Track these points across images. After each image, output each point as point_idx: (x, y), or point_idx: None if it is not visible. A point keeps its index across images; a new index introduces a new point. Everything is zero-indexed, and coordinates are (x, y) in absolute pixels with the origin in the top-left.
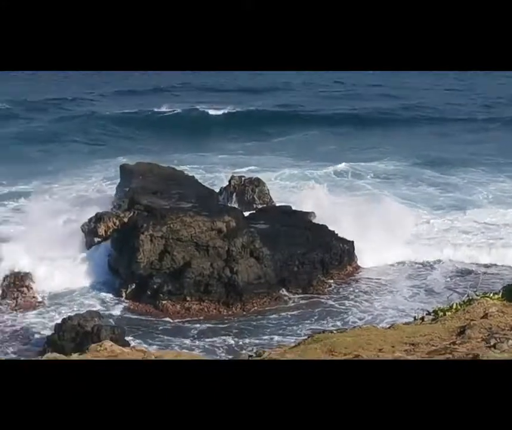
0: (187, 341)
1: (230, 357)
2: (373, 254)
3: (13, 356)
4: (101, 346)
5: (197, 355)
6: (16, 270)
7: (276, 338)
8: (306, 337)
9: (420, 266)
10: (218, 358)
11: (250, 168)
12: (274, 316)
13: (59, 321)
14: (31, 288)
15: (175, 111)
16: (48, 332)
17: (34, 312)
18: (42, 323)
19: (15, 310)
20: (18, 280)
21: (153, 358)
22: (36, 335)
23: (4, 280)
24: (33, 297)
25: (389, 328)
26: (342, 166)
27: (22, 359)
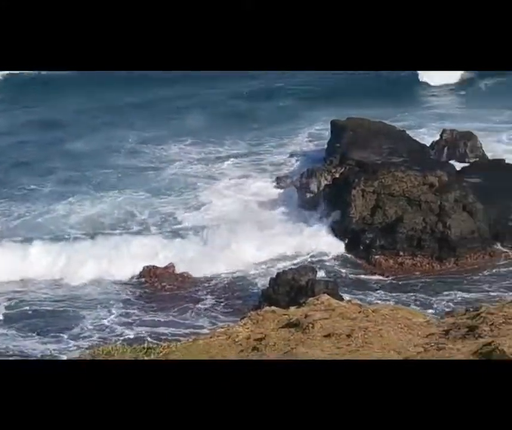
0: (400, 296)
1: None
2: None
3: (227, 311)
4: (318, 299)
5: (413, 311)
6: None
7: (492, 294)
8: None
9: None
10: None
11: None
12: (487, 271)
13: (274, 276)
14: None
15: None
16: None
17: (248, 268)
18: (256, 278)
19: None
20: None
21: (370, 311)
22: (251, 290)
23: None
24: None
25: None
26: None
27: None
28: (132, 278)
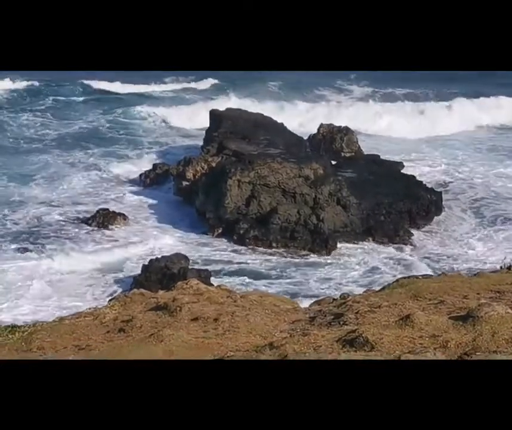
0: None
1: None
2: None
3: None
4: (187, 283)
5: (281, 297)
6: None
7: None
8: (392, 282)
9: None
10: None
11: None
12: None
13: (146, 262)
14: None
15: None
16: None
17: (123, 249)
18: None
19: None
20: (107, 220)
21: (238, 296)
22: (126, 275)
23: (95, 217)
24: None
25: (474, 275)
26: None
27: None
28: None
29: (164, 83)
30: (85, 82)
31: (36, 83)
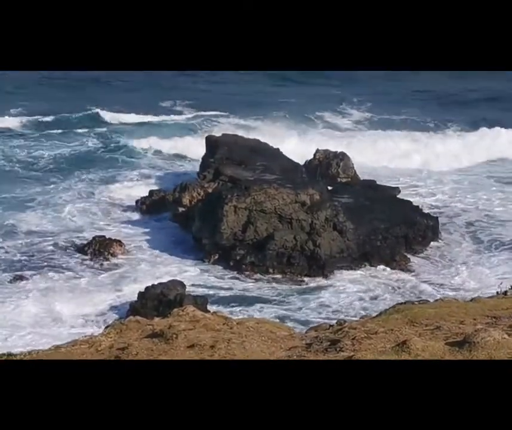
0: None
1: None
2: None
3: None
4: (183, 310)
5: (278, 324)
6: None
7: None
8: (388, 308)
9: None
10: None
11: None
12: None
13: (142, 289)
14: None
15: None
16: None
17: (119, 277)
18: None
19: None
20: (103, 247)
21: (234, 323)
22: (122, 301)
23: (91, 244)
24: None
25: (471, 300)
26: None
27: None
28: None
29: (163, 112)
30: (90, 109)
31: (39, 114)
